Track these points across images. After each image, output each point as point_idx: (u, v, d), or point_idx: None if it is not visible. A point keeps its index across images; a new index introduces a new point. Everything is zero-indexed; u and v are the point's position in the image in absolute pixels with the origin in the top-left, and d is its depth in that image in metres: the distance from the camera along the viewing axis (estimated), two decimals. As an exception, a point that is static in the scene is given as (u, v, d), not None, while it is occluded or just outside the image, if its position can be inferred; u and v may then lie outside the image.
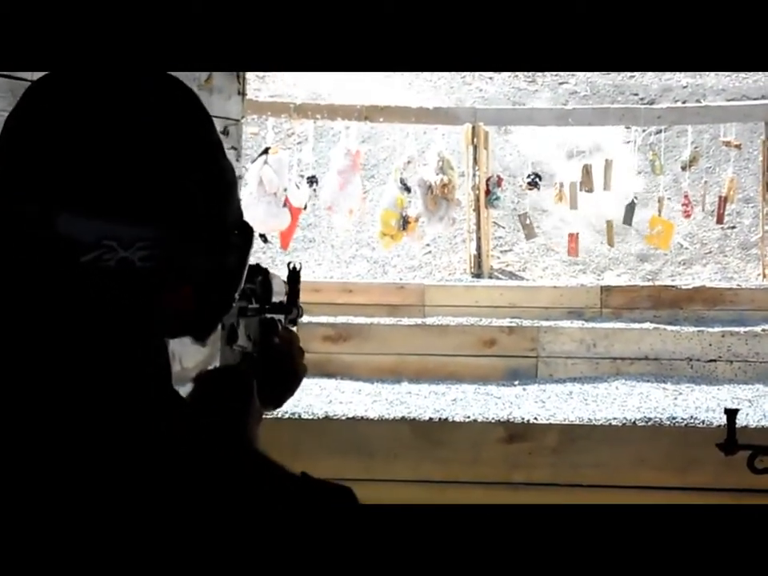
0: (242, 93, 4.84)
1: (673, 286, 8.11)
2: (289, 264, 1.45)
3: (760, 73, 10.98)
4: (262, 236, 8.42)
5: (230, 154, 4.65)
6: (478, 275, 9.18)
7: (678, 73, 11.20)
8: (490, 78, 11.55)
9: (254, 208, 7.76)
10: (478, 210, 9.09)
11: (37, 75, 2.58)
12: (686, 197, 8.82)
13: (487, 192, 8.94)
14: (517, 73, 11.46)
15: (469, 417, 4.07)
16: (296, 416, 3.89)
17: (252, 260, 1.35)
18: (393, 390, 6.65)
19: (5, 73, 2.69)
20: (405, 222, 8.35)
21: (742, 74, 11.11)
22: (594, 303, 7.88)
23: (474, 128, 8.95)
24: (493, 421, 4.07)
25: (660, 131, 9.69)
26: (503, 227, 10.46)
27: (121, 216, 0.96)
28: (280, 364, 1.38)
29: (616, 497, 3.19)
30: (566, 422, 3.99)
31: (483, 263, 9.26)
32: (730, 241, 10.30)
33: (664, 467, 3.46)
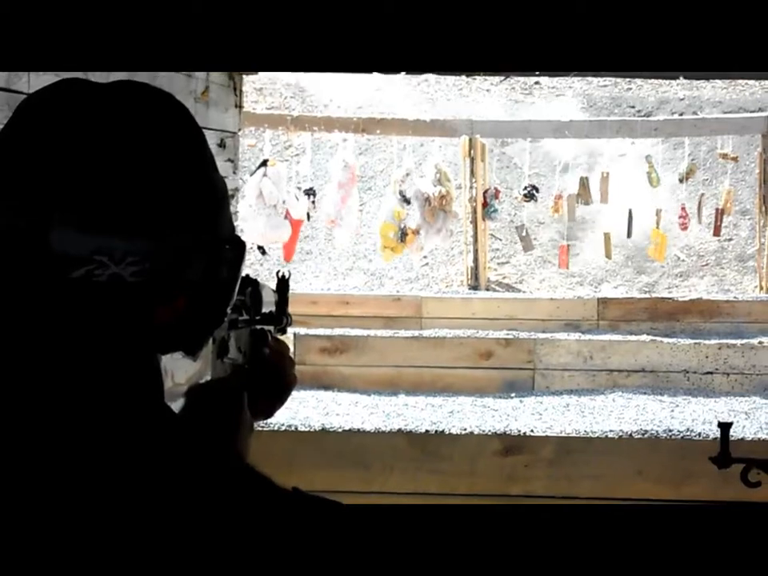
0: (239, 105, 4.86)
1: (670, 298, 8.12)
2: (278, 273, 1.45)
3: (757, 85, 11.00)
4: (261, 248, 8.42)
5: (227, 167, 4.65)
6: (475, 287, 9.20)
7: (674, 85, 11.22)
8: (487, 91, 11.57)
9: (254, 220, 7.77)
10: (475, 222, 9.10)
11: (33, 76, 2.57)
12: (683, 209, 8.83)
13: (484, 204, 8.95)
14: (514, 85, 11.48)
15: (465, 429, 4.06)
16: (293, 428, 3.89)
17: (250, 272, 1.35)
18: (390, 402, 6.65)
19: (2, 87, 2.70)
20: (403, 234, 8.36)
21: (739, 87, 11.14)
22: (591, 315, 7.89)
23: (471, 140, 8.97)
24: (489, 433, 4.07)
25: (657, 143, 9.70)
26: (500, 239, 10.47)
27: (112, 230, 0.96)
28: (271, 375, 1.38)
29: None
30: (563, 435, 3.99)
31: (480, 275, 9.27)
32: (726, 253, 10.31)
33: (660, 480, 3.46)
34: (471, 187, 9.03)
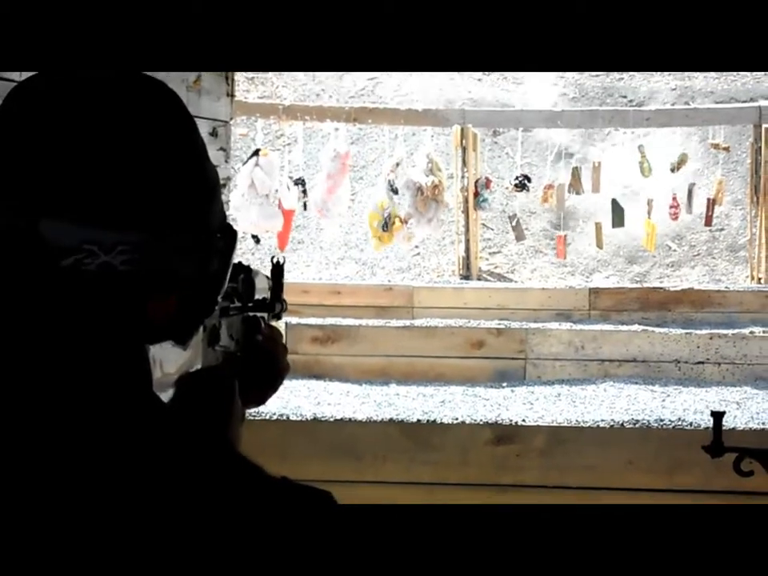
0: (231, 94, 4.84)
1: (661, 288, 8.12)
2: (272, 258, 1.44)
3: (749, 75, 11.00)
4: (255, 237, 8.42)
5: (219, 155, 4.64)
6: (466, 277, 9.20)
7: (666, 75, 11.22)
8: (479, 80, 11.55)
9: (247, 210, 7.76)
10: (466, 211, 9.10)
11: (25, 75, 2.57)
12: (674, 199, 8.84)
13: (476, 194, 8.95)
14: (505, 74, 11.47)
15: (457, 419, 4.07)
16: (284, 417, 3.88)
17: (243, 261, 1.34)
18: (381, 392, 6.65)
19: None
20: (386, 224, 8.35)
21: (731, 77, 11.14)
22: (583, 305, 7.89)
23: (462, 130, 8.96)
24: (481, 423, 4.07)
25: (648, 133, 9.71)
26: (492, 229, 10.47)
27: (102, 219, 0.95)
28: (263, 362, 1.38)
29: (604, 499, 3.19)
30: (554, 424, 3.99)
31: (472, 265, 9.27)
32: (718, 243, 10.32)
33: (652, 469, 3.46)
34: (463, 177, 9.02)
